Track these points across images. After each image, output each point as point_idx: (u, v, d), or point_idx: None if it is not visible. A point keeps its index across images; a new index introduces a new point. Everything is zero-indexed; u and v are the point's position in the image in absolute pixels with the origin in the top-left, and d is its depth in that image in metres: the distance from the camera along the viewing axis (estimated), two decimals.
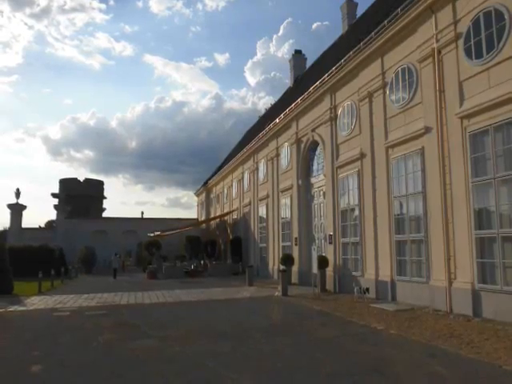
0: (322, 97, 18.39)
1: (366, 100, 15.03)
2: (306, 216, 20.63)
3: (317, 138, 19.29)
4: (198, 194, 50.78)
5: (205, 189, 45.83)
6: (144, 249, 35.41)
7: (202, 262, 31.67)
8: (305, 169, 20.99)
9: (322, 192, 19.12)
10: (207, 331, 9.47)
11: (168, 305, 14.17)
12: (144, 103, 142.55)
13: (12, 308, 13.64)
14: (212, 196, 43.85)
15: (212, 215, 42.14)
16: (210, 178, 44.85)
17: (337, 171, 17.09)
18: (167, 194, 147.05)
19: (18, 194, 40.31)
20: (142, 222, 46.58)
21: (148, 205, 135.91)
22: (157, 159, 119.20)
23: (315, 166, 20.37)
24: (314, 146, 20.26)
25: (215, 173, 42.95)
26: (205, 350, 7.66)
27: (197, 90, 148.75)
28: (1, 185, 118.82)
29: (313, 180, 20.41)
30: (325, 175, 18.37)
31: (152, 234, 35.19)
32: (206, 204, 45.60)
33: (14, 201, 40.52)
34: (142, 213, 51.88)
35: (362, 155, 15.22)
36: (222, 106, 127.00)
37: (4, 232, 44.40)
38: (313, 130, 19.59)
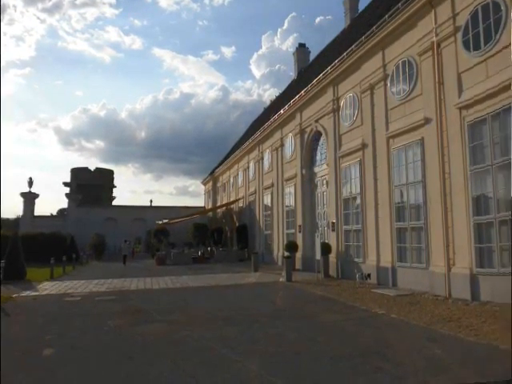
0: (325, 89, 18.52)
1: (368, 92, 15.18)
2: (309, 204, 20.88)
3: (320, 128, 19.48)
4: (205, 183, 50.95)
5: (211, 178, 46.03)
6: (153, 236, 35.98)
7: (208, 248, 32.09)
8: (308, 158, 21.16)
9: (325, 181, 19.40)
10: (214, 316, 9.56)
11: (176, 290, 14.30)
12: (153, 95, 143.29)
13: (25, 293, 13.80)
14: (218, 185, 44.04)
15: (218, 203, 42.38)
16: (216, 168, 45.02)
17: (339, 161, 17.29)
18: (175, 183, 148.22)
19: (30, 182, 40.47)
20: (150, 210, 46.98)
21: (156, 193, 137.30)
22: (165, 149, 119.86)
23: (318, 156, 20.56)
24: (317, 136, 20.43)
25: (222, 162, 43.13)
26: (212, 333, 7.75)
27: (204, 82, 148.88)
28: (14, 174, 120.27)
29: (316, 169, 20.63)
30: (328, 165, 18.61)
31: (160, 222, 35.76)
32: (213, 192, 45.83)
33: (26, 189, 40.76)
34: (151, 201, 52.55)
35: (364, 145, 15.42)
36: (228, 97, 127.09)
37: (17, 220, 45.14)
38: (316, 121, 19.77)
